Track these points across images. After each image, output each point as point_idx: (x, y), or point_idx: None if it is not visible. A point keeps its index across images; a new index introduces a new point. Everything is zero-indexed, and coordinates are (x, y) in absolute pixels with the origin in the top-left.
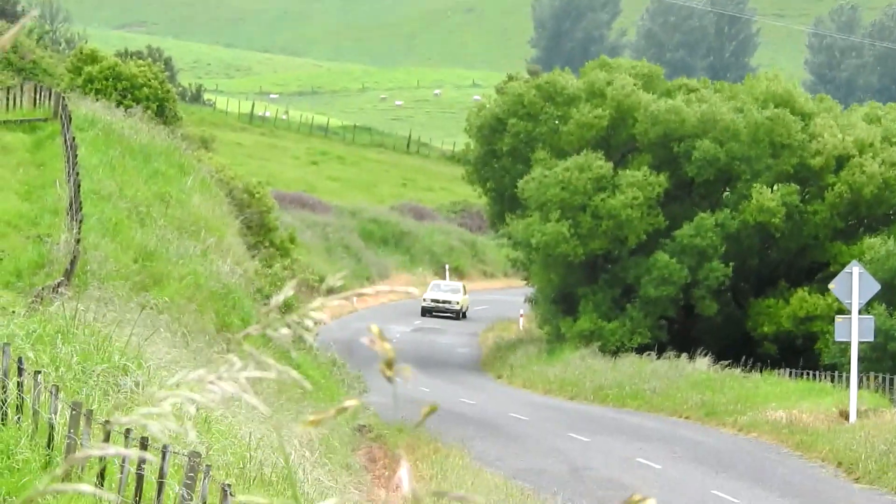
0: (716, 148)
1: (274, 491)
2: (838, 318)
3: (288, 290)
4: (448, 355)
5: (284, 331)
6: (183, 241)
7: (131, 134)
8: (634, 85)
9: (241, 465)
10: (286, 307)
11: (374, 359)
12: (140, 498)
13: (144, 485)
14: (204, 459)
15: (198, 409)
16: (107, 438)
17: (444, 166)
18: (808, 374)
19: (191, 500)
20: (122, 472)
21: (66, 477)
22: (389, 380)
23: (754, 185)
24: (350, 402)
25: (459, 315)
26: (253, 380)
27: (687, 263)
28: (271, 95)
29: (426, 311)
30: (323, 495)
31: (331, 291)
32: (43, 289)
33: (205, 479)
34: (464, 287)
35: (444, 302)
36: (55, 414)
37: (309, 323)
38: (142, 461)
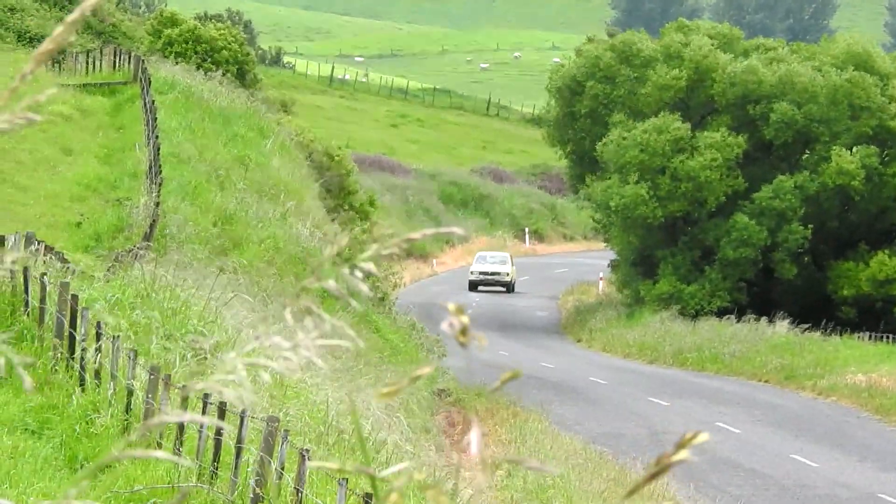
0: (793, 110)
1: (354, 457)
2: None
3: (342, 241)
4: (527, 319)
5: (332, 283)
6: (262, 204)
7: (210, 97)
8: (712, 45)
9: (320, 431)
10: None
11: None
12: (218, 463)
13: (222, 450)
14: (282, 425)
15: (273, 376)
16: (184, 404)
17: (523, 129)
18: (887, 337)
19: (269, 465)
20: (200, 438)
21: (144, 442)
22: (463, 345)
23: (833, 147)
24: (423, 370)
25: (510, 287)
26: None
27: (766, 226)
28: (356, 58)
29: (474, 285)
30: (400, 459)
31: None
32: (122, 253)
33: (283, 444)
34: (511, 257)
35: (493, 274)
36: (133, 379)
37: (359, 274)
38: (220, 427)
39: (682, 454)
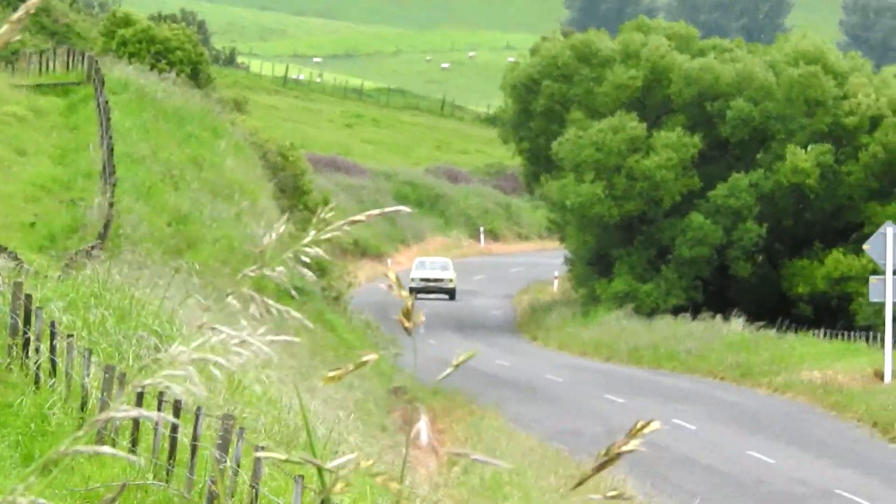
0: (750, 107)
1: (309, 454)
2: (873, 279)
3: (280, 227)
4: (483, 317)
5: (280, 269)
6: (216, 204)
7: (164, 97)
8: (669, 46)
9: (276, 429)
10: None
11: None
12: (174, 461)
13: (178, 448)
14: (237, 423)
15: (228, 375)
16: (139, 402)
17: (478, 129)
18: (842, 334)
19: (224, 462)
20: (155, 436)
21: (99, 440)
22: (407, 330)
23: (788, 145)
24: (369, 356)
25: (452, 295)
26: (283, 342)
27: (722, 224)
28: (315, 59)
29: (413, 293)
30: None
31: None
32: (76, 253)
33: (238, 441)
34: (451, 263)
35: (434, 280)
36: (88, 377)
37: (306, 259)
38: (175, 425)
39: (632, 444)
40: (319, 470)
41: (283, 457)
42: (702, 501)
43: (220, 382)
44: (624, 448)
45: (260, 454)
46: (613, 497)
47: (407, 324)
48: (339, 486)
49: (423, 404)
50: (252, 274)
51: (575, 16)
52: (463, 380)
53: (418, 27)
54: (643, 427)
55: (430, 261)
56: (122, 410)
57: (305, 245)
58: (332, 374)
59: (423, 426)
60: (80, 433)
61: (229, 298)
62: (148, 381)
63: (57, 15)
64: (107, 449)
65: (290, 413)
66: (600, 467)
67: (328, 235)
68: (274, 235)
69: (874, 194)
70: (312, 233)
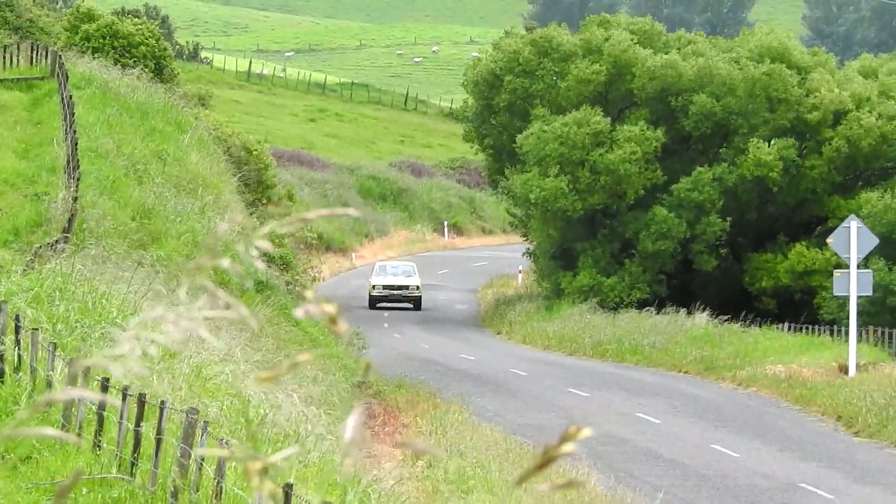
0: (712, 102)
1: (274, 448)
2: (837, 273)
3: (236, 216)
4: (447, 312)
5: (227, 262)
6: (181, 198)
7: (128, 92)
8: (632, 40)
9: (240, 423)
10: (284, 264)
11: (373, 315)
12: (138, 454)
13: (143, 441)
14: (201, 416)
15: (193, 367)
16: (104, 391)
17: (442, 123)
18: (806, 328)
19: (189, 456)
20: (119, 430)
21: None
22: (337, 334)
23: (751, 139)
24: (303, 357)
25: (417, 304)
26: (251, 336)
27: (685, 218)
28: (286, 53)
29: (374, 301)
30: (320, 450)
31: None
32: (41, 247)
33: (203, 435)
34: (416, 268)
35: (398, 288)
36: (52, 371)
37: (255, 252)
38: (140, 419)
39: (568, 447)
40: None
41: (226, 453)
42: (665, 495)
43: (157, 360)
44: (560, 452)
45: (200, 451)
46: (564, 485)
47: (336, 329)
48: (267, 486)
49: (387, 399)
50: (205, 264)
51: (538, 10)
52: (427, 374)
53: (381, 21)
54: (576, 433)
55: (391, 265)
56: (63, 392)
57: (260, 236)
58: (265, 375)
59: (350, 424)
60: (25, 416)
61: (181, 290)
62: (88, 362)
63: (20, 10)
64: (49, 430)
65: (254, 406)
66: (538, 468)
67: (285, 230)
68: (225, 226)
69: (837, 188)
70: (267, 226)
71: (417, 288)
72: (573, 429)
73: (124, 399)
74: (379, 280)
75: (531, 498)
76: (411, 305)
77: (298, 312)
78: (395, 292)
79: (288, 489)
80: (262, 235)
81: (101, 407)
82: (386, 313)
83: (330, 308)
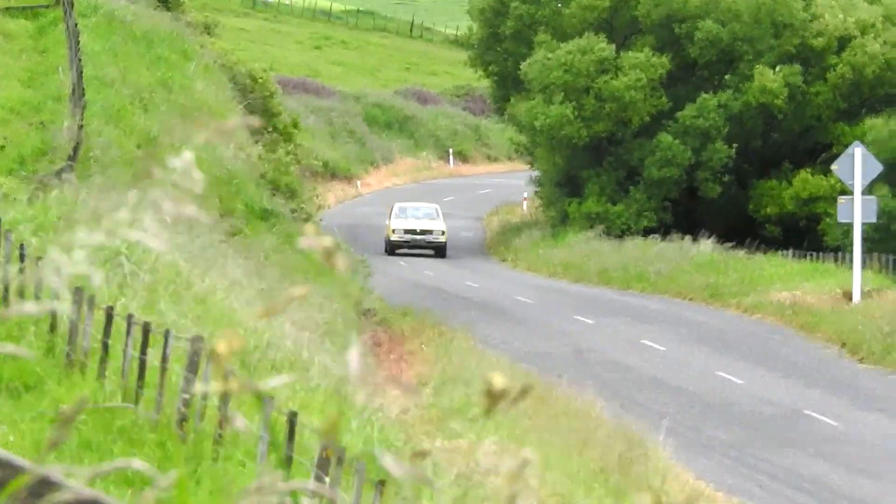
0: (718, 28)
1: (279, 376)
2: (841, 200)
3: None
4: (452, 239)
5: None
6: (186, 126)
7: (134, 20)
8: None
9: (244, 351)
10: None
11: (378, 243)
12: (143, 384)
13: (147, 371)
14: (206, 344)
15: (196, 297)
16: (108, 322)
17: (447, 50)
18: (811, 255)
19: (193, 385)
20: (124, 359)
21: (69, 364)
22: (334, 268)
23: (756, 66)
24: (299, 291)
25: (442, 251)
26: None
27: (690, 145)
28: None
29: (395, 247)
30: (325, 377)
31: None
32: (46, 175)
33: (207, 363)
34: (439, 209)
35: (422, 233)
36: (57, 300)
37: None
38: (144, 349)
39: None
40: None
41: (221, 388)
42: (670, 422)
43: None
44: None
45: (202, 388)
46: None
47: (332, 264)
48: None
49: (392, 327)
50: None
51: None
52: (433, 301)
53: None
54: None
55: (412, 207)
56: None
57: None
58: (263, 309)
59: (353, 356)
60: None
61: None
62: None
63: None
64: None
65: (258, 335)
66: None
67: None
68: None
69: (842, 115)
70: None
71: (443, 233)
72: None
73: (129, 327)
74: (399, 224)
75: (533, 423)
76: (433, 252)
77: (301, 244)
78: (418, 237)
79: (293, 417)
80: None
81: (107, 335)
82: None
83: (328, 242)
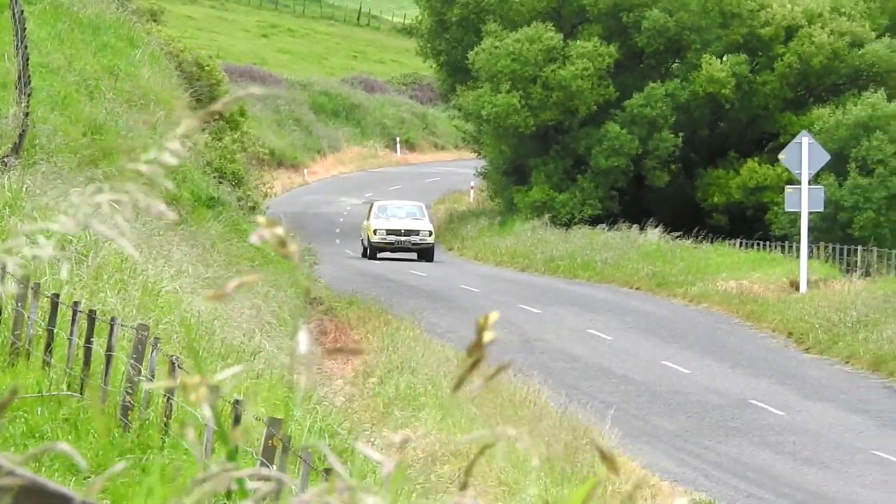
0: (665, 18)
1: (225, 364)
2: (788, 189)
3: (150, 119)
4: None
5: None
6: (132, 114)
7: (80, 7)
8: None
9: (190, 339)
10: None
11: (325, 231)
12: (88, 371)
13: (92, 359)
14: (152, 333)
15: (145, 285)
16: (53, 311)
17: (394, 39)
18: (758, 244)
19: (138, 373)
20: (69, 346)
21: (14, 352)
22: (286, 257)
23: (704, 55)
24: (250, 277)
25: (429, 255)
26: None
27: (637, 134)
28: None
29: (376, 250)
30: (271, 366)
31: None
32: None
33: (153, 352)
34: (425, 208)
35: (406, 234)
36: (3, 288)
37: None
38: (90, 337)
39: (489, 335)
40: (210, 386)
41: (167, 384)
42: (616, 411)
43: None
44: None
45: (148, 385)
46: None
47: (284, 252)
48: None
49: (338, 315)
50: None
51: None
52: (379, 290)
53: None
54: (486, 322)
55: (395, 205)
56: None
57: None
58: (212, 293)
59: (301, 337)
60: None
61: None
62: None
63: None
64: None
65: (204, 322)
66: (469, 369)
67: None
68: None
69: (789, 104)
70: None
71: (430, 234)
72: (482, 318)
73: (74, 315)
74: (381, 224)
75: (480, 410)
76: (416, 256)
77: (253, 238)
78: (403, 238)
79: (237, 405)
80: (175, 136)
81: (52, 323)
82: (338, 228)
83: (279, 231)
